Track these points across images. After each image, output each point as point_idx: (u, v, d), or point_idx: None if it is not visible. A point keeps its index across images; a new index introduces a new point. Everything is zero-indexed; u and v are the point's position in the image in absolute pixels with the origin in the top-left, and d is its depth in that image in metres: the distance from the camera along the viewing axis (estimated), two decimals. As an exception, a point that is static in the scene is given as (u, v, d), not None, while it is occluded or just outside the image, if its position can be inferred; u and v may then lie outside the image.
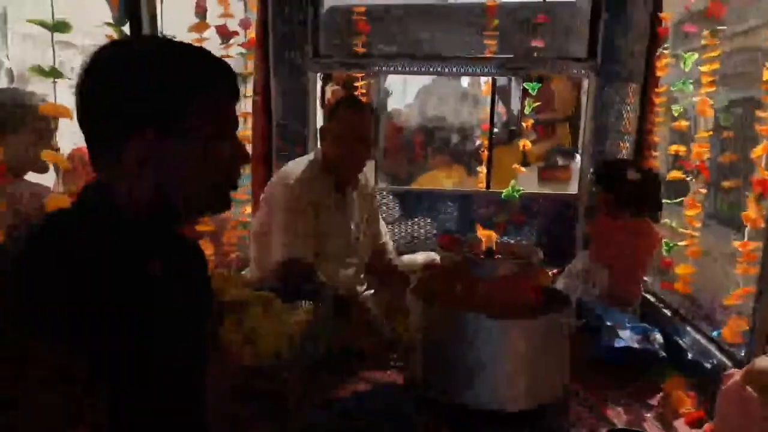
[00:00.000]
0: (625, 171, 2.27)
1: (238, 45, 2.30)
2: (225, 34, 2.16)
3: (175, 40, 0.91)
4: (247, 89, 2.42)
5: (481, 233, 1.74)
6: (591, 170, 2.67)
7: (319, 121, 2.71)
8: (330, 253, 2.05)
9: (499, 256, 1.79)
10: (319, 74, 2.85)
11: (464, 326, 1.56)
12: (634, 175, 2.25)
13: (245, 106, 2.40)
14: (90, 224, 0.80)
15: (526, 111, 2.77)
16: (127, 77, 0.80)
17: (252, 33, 2.40)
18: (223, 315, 1.29)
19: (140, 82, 0.79)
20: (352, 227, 2.15)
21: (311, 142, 2.70)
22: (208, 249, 2.32)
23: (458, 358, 1.57)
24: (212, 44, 2.04)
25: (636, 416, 1.64)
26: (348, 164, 2.04)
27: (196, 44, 0.94)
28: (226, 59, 2.35)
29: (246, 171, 2.50)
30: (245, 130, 2.42)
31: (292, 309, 1.42)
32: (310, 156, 2.13)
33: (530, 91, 2.68)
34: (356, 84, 2.95)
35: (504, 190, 2.73)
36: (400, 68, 2.82)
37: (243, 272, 2.30)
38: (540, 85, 2.76)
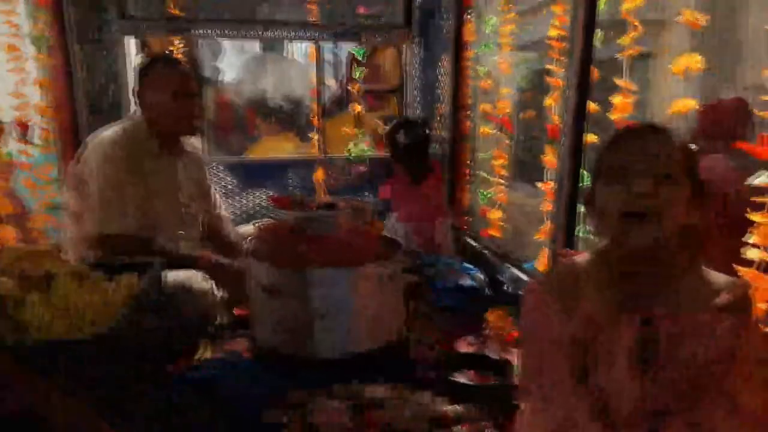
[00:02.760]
0: (398, 134, 2.53)
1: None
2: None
3: None
4: (40, 54, 2.13)
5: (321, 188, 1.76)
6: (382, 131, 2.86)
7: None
8: (160, 225, 1.91)
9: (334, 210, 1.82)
10: (132, 41, 2.61)
11: (305, 280, 1.58)
12: (403, 138, 2.51)
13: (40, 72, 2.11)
14: None
15: (355, 77, 2.85)
16: None
17: (40, -11, 2.11)
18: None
19: None
20: (181, 198, 2.02)
21: (124, 113, 2.46)
22: (9, 234, 2.03)
23: (299, 310, 1.59)
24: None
25: (469, 344, 1.80)
26: (172, 123, 1.90)
27: None
28: (9, 17, 2.06)
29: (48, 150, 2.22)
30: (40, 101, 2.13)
31: (113, 281, 1.31)
32: (125, 122, 1.95)
33: (357, 56, 2.75)
34: (174, 53, 2.76)
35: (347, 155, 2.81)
36: (220, 33, 2.70)
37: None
38: (365, 51, 2.84)
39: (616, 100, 1.55)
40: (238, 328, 1.86)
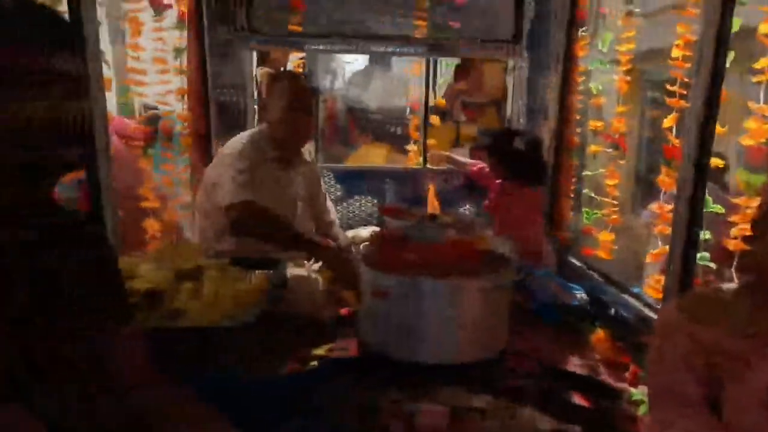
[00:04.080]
0: (512, 140, 2.47)
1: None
2: (158, 6, 2.10)
3: None
4: (182, 65, 2.37)
5: (431, 200, 1.82)
6: (484, 144, 2.83)
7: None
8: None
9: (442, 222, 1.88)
10: (254, 53, 2.82)
11: (415, 288, 1.64)
12: (520, 144, 2.44)
13: (182, 82, 2.35)
14: None
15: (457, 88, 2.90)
16: None
17: (185, 6, 2.34)
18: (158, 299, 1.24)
19: None
20: (297, 202, 2.17)
21: (249, 120, 2.67)
22: (154, 226, 2.27)
23: (411, 317, 1.65)
24: (146, 16, 1.98)
25: (565, 362, 1.78)
26: (293, 136, 2.06)
27: None
28: (160, 33, 2.32)
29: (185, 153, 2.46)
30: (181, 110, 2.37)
31: (248, 274, 1.44)
32: (253, 130, 2.13)
33: (453, 68, 2.78)
34: (291, 65, 2.95)
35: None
36: (334, 48, 2.84)
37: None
38: (459, 64, 2.88)
39: (750, 124, 1.49)
40: (343, 326, 1.95)
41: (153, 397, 0.95)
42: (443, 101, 3.38)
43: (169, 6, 2.18)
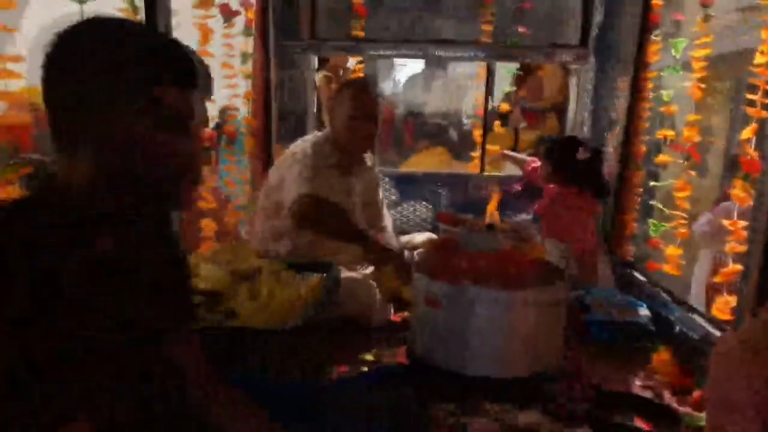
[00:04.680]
0: (575, 149, 2.38)
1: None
2: (227, 13, 2.17)
3: (137, 21, 0.89)
4: (248, 69, 2.44)
5: (491, 208, 1.79)
6: (541, 149, 2.74)
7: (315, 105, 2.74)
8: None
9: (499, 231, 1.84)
10: (315, 59, 2.88)
11: (467, 298, 1.62)
12: (584, 154, 2.35)
13: (247, 86, 2.43)
14: (42, 207, 0.81)
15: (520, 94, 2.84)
16: (76, 60, 0.80)
17: (252, 13, 2.41)
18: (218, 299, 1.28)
19: (90, 66, 0.79)
20: (355, 207, 2.18)
21: (309, 125, 2.73)
22: (210, 226, 2.36)
23: (461, 327, 1.63)
24: (216, 23, 2.05)
25: (626, 386, 1.71)
26: (356, 143, 2.08)
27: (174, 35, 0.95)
28: (228, 39, 2.40)
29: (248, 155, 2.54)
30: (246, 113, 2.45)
31: (301, 276, 1.46)
32: (319, 135, 2.17)
33: (512, 73, 2.72)
34: (349, 70, 2.98)
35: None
36: (396, 52, 2.86)
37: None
38: (519, 69, 2.82)
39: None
40: (394, 332, 1.95)
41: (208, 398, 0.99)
42: (506, 106, 3.31)
43: (238, 13, 2.25)
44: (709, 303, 2.52)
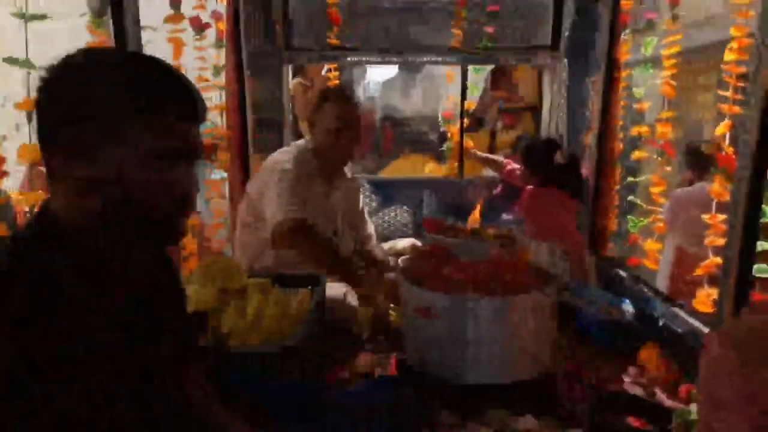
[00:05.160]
0: (553, 152, 2.43)
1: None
2: (198, 26, 2.14)
3: (138, 53, 0.88)
4: (222, 82, 2.41)
5: (475, 215, 1.79)
6: (523, 153, 2.76)
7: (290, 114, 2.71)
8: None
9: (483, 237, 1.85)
10: (290, 67, 2.85)
11: (466, 307, 1.61)
12: (561, 158, 2.41)
13: (221, 98, 2.39)
14: (42, 241, 0.79)
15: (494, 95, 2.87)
16: (73, 92, 0.78)
17: (223, 25, 2.38)
18: (206, 319, 1.28)
19: (88, 98, 0.77)
20: (337, 217, 2.17)
21: (286, 134, 2.70)
22: (191, 243, 2.31)
23: (451, 335, 1.62)
24: (188, 35, 2.02)
25: (616, 382, 1.72)
26: (339, 154, 2.06)
27: (167, 62, 0.87)
28: (200, 51, 2.37)
29: (222, 168, 2.49)
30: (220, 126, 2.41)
31: (290, 293, 1.44)
32: (298, 145, 2.14)
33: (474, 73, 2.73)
34: (324, 77, 2.96)
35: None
36: (372, 59, 2.85)
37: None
38: (494, 70, 2.85)
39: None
40: (381, 343, 1.93)
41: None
42: (474, 104, 3.32)
43: (209, 25, 2.22)
44: (675, 293, 2.57)
